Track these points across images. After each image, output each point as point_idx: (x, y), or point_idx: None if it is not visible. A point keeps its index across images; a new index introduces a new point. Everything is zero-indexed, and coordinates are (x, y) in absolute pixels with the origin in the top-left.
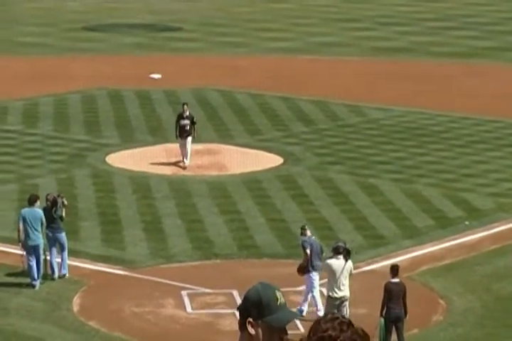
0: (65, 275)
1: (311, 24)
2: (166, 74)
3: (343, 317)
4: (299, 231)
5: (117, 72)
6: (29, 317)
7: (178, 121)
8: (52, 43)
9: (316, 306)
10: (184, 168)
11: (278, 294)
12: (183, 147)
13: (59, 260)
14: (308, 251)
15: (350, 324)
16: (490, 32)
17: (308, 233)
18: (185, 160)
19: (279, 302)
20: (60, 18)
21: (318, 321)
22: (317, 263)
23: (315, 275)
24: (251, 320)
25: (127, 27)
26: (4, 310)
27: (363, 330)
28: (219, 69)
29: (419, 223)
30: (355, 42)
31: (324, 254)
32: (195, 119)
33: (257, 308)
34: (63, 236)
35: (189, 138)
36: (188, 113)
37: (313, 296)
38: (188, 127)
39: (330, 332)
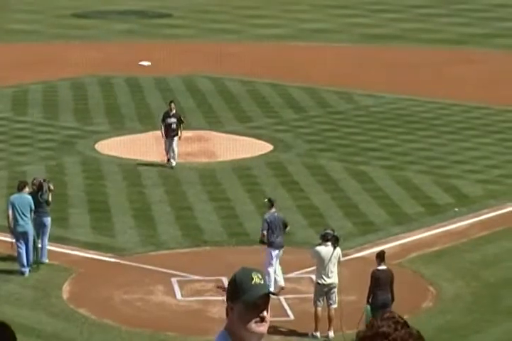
0: (44, 262)
1: (301, 11)
2: (156, 61)
3: (400, 317)
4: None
5: (107, 59)
6: (18, 305)
7: (164, 120)
8: (42, 30)
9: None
10: (171, 168)
11: (254, 275)
12: (169, 147)
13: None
14: (264, 232)
15: (405, 324)
16: (479, 19)
17: (273, 209)
18: (172, 160)
19: (253, 282)
20: (50, 5)
21: (376, 318)
22: (276, 240)
23: (273, 252)
24: (229, 302)
25: (117, 14)
26: None
27: (418, 332)
28: (209, 56)
29: (408, 210)
30: (346, 29)
31: (289, 228)
32: (182, 117)
33: (232, 290)
34: (48, 220)
35: (175, 138)
36: (174, 111)
37: (266, 273)
38: (175, 126)
39: (384, 328)
